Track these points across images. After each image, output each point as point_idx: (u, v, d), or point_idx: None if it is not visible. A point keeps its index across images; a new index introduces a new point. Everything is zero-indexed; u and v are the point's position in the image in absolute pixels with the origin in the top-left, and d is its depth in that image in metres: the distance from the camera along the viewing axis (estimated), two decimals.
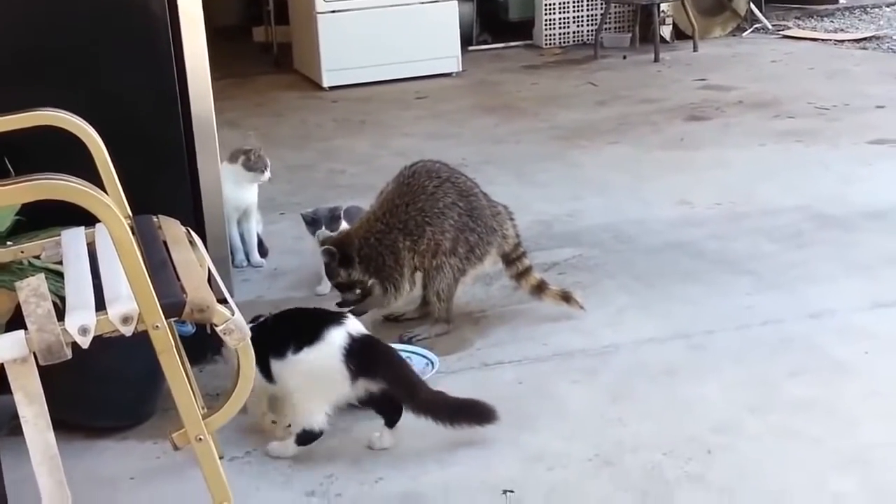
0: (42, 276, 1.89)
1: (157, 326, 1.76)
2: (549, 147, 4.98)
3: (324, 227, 3.23)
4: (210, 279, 2.05)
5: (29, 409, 1.72)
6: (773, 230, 3.73)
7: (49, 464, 1.75)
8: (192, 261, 2.04)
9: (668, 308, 3.14)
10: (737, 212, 3.96)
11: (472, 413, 2.40)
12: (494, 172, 4.50)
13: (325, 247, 3.01)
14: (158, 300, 1.76)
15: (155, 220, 2.27)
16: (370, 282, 3.00)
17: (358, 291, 3.04)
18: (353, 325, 2.40)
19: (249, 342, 1.86)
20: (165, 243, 2.14)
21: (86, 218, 1.83)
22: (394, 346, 2.85)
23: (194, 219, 2.85)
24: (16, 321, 1.90)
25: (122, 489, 2.36)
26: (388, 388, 2.37)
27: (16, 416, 1.74)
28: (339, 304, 3.01)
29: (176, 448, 1.87)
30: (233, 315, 1.81)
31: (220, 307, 1.81)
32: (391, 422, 2.43)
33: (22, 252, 2.28)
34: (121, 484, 2.37)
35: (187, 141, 2.91)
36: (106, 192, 2.12)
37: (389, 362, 2.41)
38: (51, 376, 1.76)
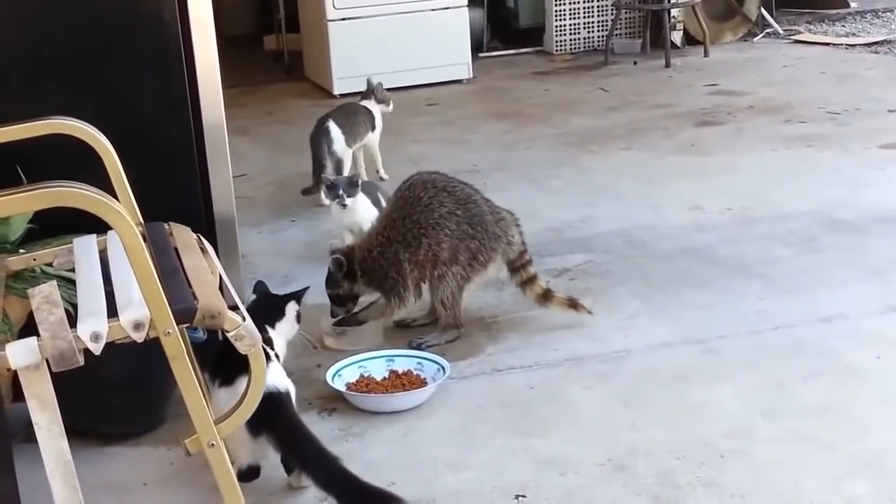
0: (54, 283, 1.89)
1: (168, 333, 1.77)
2: (561, 153, 4.97)
3: (341, 191, 3.25)
4: (221, 286, 2.05)
5: (42, 416, 1.74)
6: (784, 235, 3.72)
7: (62, 470, 1.76)
8: (203, 267, 2.05)
9: (681, 313, 3.14)
10: (748, 217, 3.95)
11: (375, 500, 2.16)
12: (505, 178, 4.50)
13: (335, 255, 2.99)
14: (170, 306, 1.77)
15: (166, 227, 2.28)
16: (378, 297, 3.01)
17: (346, 310, 3.03)
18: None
19: (260, 348, 1.87)
20: (177, 250, 2.15)
21: (98, 225, 1.84)
22: (404, 352, 2.88)
23: (205, 226, 2.86)
24: (29, 328, 1.91)
25: (136, 495, 2.37)
26: (282, 454, 2.23)
27: (29, 423, 1.75)
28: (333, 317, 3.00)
29: (188, 454, 1.88)
30: (244, 321, 1.82)
31: (232, 313, 1.82)
32: (288, 470, 2.29)
33: (34, 260, 2.29)
34: (134, 490, 2.38)
35: (198, 148, 2.92)
36: (117, 199, 2.13)
37: (287, 429, 2.19)
38: (63, 383, 1.77)
